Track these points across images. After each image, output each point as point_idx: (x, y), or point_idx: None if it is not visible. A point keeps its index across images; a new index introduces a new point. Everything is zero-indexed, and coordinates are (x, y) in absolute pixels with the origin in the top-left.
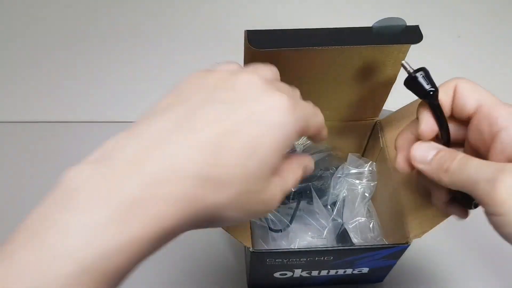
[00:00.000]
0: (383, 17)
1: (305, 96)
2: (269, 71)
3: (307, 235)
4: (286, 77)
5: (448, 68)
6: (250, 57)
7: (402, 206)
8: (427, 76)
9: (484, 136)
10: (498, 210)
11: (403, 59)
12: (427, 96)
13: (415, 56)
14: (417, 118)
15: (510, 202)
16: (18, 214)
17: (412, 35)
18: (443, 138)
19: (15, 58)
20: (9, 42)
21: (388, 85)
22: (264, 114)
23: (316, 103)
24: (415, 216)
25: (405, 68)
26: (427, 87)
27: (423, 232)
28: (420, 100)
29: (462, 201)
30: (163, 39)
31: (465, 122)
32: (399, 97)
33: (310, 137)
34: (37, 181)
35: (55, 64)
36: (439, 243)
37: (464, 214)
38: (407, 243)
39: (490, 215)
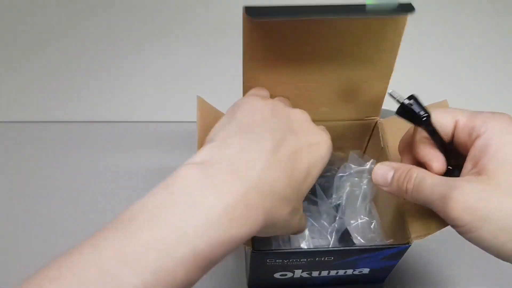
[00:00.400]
0: None
1: (306, 80)
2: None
3: (310, 236)
4: (286, 53)
5: (448, 66)
6: (249, 30)
7: (403, 206)
8: (417, 102)
9: (468, 148)
10: (456, 224)
11: (401, 37)
12: (422, 122)
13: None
14: (418, 154)
15: (464, 216)
16: (18, 214)
17: (405, 8)
18: (447, 160)
19: (15, 58)
20: (9, 41)
21: (388, 69)
22: (318, 146)
23: (317, 93)
24: (418, 217)
25: (394, 98)
26: (421, 113)
27: (427, 234)
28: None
29: None
30: (161, 37)
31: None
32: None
33: None
34: (37, 181)
35: (55, 64)
36: (440, 244)
37: None
38: (408, 243)
39: (452, 226)
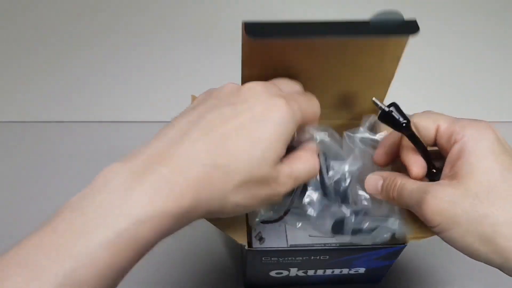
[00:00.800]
0: (381, 10)
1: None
2: (279, 81)
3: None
4: (285, 70)
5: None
6: (248, 49)
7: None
8: (398, 110)
9: (447, 152)
10: (430, 225)
11: (401, 54)
12: (402, 127)
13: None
14: (402, 159)
15: (435, 218)
16: (18, 214)
17: (410, 27)
18: (427, 163)
19: (15, 58)
20: (8, 42)
21: (386, 81)
22: (264, 112)
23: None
24: (416, 219)
25: (377, 105)
26: (401, 119)
27: (423, 237)
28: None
29: None
30: (161, 38)
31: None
32: (397, 95)
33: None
34: (36, 181)
35: (54, 64)
36: (437, 244)
37: None
38: (404, 243)
39: (428, 227)
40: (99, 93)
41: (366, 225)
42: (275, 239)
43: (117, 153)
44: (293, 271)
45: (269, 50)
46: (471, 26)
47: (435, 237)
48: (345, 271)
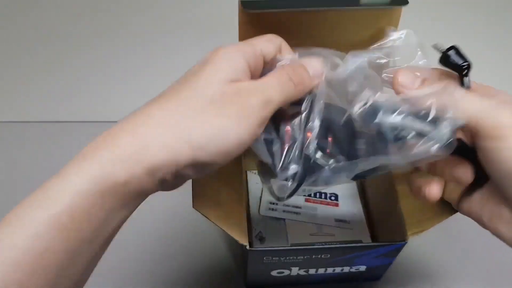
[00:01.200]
0: None
1: None
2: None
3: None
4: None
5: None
6: (244, 21)
7: (399, 203)
8: (458, 53)
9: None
10: (499, 133)
11: (396, 26)
12: (461, 70)
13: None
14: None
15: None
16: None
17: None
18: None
19: (15, 58)
20: (8, 42)
21: None
22: (203, 61)
23: None
24: (413, 214)
25: (437, 49)
26: (460, 62)
27: (422, 231)
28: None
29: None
30: (162, 38)
31: None
32: None
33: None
34: (36, 181)
35: (55, 64)
36: (437, 241)
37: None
38: (404, 240)
39: (488, 145)
40: (100, 93)
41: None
42: (276, 239)
43: None
44: (295, 270)
45: (264, 22)
46: (470, 26)
47: (434, 234)
48: (346, 269)
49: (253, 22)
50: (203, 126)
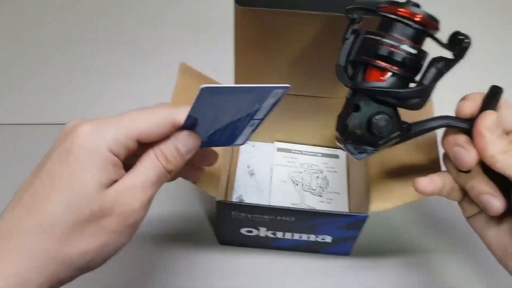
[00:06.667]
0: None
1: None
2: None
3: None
4: (276, 41)
5: None
6: (238, 19)
7: (369, 180)
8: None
9: None
10: None
11: None
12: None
13: None
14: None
15: None
16: None
17: None
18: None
19: (14, 59)
20: (6, 44)
21: None
22: (60, 155)
23: (306, 76)
24: (380, 191)
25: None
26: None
27: (385, 209)
28: None
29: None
30: (157, 39)
31: None
32: None
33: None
34: None
35: (52, 66)
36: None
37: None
38: (366, 214)
39: None
40: (97, 95)
41: None
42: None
43: None
44: (263, 231)
45: (258, 20)
46: (471, 25)
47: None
48: (312, 237)
49: (249, 21)
50: (84, 251)
